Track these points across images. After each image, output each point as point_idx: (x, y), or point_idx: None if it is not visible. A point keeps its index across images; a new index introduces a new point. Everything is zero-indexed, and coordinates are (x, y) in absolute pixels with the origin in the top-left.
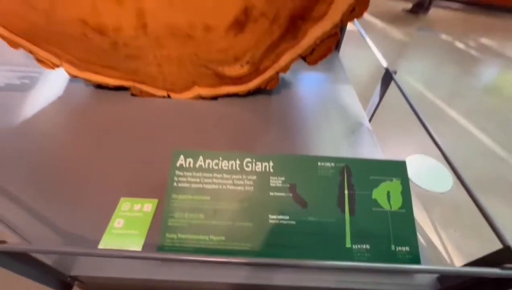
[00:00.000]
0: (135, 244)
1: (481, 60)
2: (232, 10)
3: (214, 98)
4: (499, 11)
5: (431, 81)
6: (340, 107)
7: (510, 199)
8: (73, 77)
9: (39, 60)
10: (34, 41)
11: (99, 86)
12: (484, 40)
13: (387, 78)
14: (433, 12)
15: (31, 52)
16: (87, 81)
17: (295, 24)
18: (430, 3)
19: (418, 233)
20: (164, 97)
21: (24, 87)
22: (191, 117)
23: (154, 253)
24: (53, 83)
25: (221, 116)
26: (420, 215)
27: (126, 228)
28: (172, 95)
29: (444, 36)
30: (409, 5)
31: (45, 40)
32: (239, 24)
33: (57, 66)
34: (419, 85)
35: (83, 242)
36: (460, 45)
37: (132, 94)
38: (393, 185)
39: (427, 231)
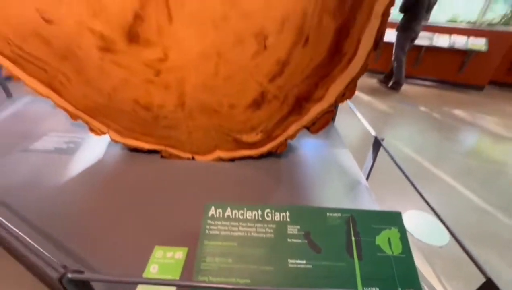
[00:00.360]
0: (169, 287)
1: (457, 128)
2: (252, 94)
3: (232, 160)
4: (466, 88)
5: (416, 146)
6: (340, 168)
7: (505, 253)
8: (115, 142)
9: (92, 129)
10: (93, 115)
11: (134, 150)
12: (457, 112)
13: (377, 144)
14: (410, 88)
15: (87, 122)
16: (125, 145)
17: (300, 104)
18: (399, 82)
19: (423, 283)
20: (189, 159)
21: (70, 151)
22: (213, 176)
23: (190, 281)
24: (94, 147)
25: (239, 175)
26: (423, 267)
27: (160, 273)
28: (197, 157)
29: (422, 108)
30: (380, 78)
31: (101, 114)
32: (257, 104)
33: (104, 133)
34: (407, 149)
35: None
36: (437, 115)
37: (162, 156)
38: (392, 233)
39: (432, 282)
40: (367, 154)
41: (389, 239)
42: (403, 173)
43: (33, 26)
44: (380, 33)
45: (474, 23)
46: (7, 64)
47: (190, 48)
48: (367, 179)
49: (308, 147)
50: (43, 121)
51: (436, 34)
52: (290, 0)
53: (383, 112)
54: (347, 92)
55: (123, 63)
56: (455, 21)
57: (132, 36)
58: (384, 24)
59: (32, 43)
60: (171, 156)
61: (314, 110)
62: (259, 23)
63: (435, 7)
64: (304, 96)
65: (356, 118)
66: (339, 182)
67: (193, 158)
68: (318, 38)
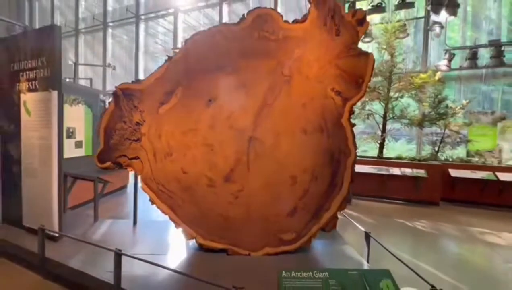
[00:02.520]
0: None
1: (427, 233)
2: (290, 207)
3: (276, 254)
4: (425, 204)
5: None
6: (346, 256)
7: None
8: (199, 245)
9: (184, 233)
10: (190, 224)
11: (207, 250)
12: (424, 221)
13: (367, 237)
14: (383, 205)
15: (184, 229)
16: (205, 247)
17: (317, 213)
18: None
19: None
20: (246, 255)
21: (164, 252)
22: (265, 264)
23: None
24: (179, 249)
25: (281, 261)
26: None
27: None
28: (252, 253)
29: (398, 220)
30: None
31: (195, 224)
32: (292, 213)
33: (194, 237)
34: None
35: None
36: (409, 224)
37: (228, 254)
38: (388, 282)
39: None
40: (359, 247)
41: (387, 285)
42: (393, 255)
43: (176, 174)
44: (353, 175)
45: (413, 159)
46: (151, 194)
47: (257, 184)
48: (367, 262)
49: (322, 242)
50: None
51: (390, 167)
52: (307, 160)
53: (369, 223)
54: (343, 205)
55: (218, 193)
56: (400, 158)
57: (227, 179)
58: (353, 172)
59: (171, 183)
60: (234, 253)
61: (326, 216)
62: (292, 171)
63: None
64: (319, 208)
65: (347, 222)
66: (349, 266)
67: (249, 254)
68: (322, 178)
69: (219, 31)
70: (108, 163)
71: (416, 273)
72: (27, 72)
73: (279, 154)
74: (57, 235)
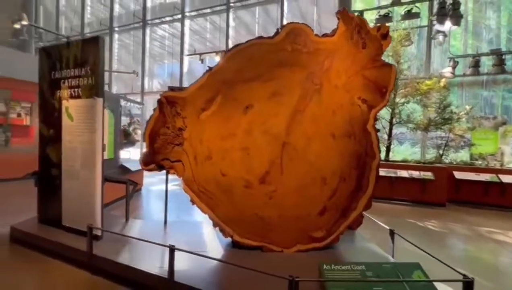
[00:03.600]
0: None
1: (437, 232)
2: (320, 207)
3: (306, 250)
4: (432, 205)
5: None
6: (372, 252)
7: None
8: (236, 242)
9: (223, 232)
10: (227, 223)
11: (243, 247)
12: (433, 221)
13: (392, 234)
14: (391, 207)
15: (222, 228)
16: (242, 244)
17: (345, 212)
18: None
19: None
20: (279, 251)
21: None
22: (297, 260)
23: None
24: (216, 247)
25: (312, 257)
26: None
27: None
28: (284, 250)
29: (408, 220)
30: None
31: (232, 222)
32: (321, 212)
33: (231, 235)
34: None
35: None
36: (421, 224)
37: (262, 251)
38: (419, 273)
39: None
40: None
41: (418, 276)
42: (421, 249)
43: (215, 176)
44: (377, 177)
45: (419, 162)
46: (192, 195)
47: (289, 185)
48: (393, 257)
49: (350, 240)
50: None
51: (398, 170)
52: (336, 163)
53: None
54: (368, 204)
55: (254, 194)
56: (406, 161)
57: (262, 180)
58: (378, 173)
59: (210, 184)
60: (268, 250)
61: (353, 215)
62: (322, 173)
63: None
64: (347, 207)
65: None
66: (376, 258)
67: (282, 251)
68: (350, 179)
69: (255, 44)
70: (152, 166)
71: (446, 264)
72: (70, 80)
73: (310, 157)
74: (99, 233)
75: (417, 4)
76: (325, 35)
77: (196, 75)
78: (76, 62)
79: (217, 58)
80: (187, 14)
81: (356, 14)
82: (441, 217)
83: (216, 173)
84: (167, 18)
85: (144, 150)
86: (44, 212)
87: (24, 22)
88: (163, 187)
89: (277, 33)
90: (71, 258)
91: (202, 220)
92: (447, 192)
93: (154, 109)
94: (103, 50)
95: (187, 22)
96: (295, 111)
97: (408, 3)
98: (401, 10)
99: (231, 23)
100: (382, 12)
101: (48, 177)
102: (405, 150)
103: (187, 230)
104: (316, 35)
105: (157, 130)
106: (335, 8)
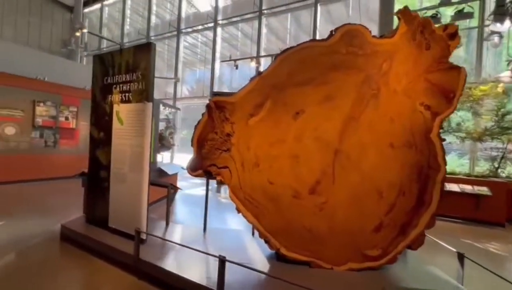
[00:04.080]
0: None
1: (505, 256)
2: (375, 222)
3: (359, 270)
4: (488, 224)
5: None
6: (434, 277)
7: None
8: (282, 256)
9: (269, 244)
10: (274, 235)
11: (290, 261)
12: (494, 243)
13: (461, 257)
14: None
15: (268, 240)
16: (286, 257)
17: (404, 229)
18: None
19: None
20: (329, 268)
21: (246, 260)
22: (348, 280)
23: None
24: (260, 258)
25: (365, 277)
26: None
27: None
28: (335, 268)
29: (464, 240)
30: None
31: (279, 234)
32: (377, 229)
33: (278, 248)
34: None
35: None
36: (479, 245)
37: (311, 267)
38: None
39: None
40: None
41: None
42: (493, 272)
43: (262, 185)
44: (442, 192)
45: (470, 175)
46: (238, 203)
47: (342, 197)
48: (462, 284)
49: (404, 262)
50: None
51: (447, 183)
52: (394, 175)
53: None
54: (431, 222)
55: (303, 204)
56: (455, 174)
57: (312, 191)
58: (443, 188)
59: (257, 193)
60: (317, 266)
61: (413, 233)
62: (379, 185)
63: None
64: (406, 224)
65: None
66: (440, 285)
67: (332, 268)
68: (410, 193)
69: (307, 47)
70: (199, 171)
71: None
72: (121, 85)
73: (365, 168)
74: (145, 237)
75: (470, 4)
76: (383, 36)
77: (223, 80)
78: (128, 67)
79: (252, 64)
80: (219, 22)
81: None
82: (502, 239)
83: (263, 181)
84: (200, 27)
85: (192, 155)
86: (92, 213)
87: (85, 30)
88: (194, 191)
89: (331, 35)
90: (117, 260)
91: (240, 227)
92: (507, 210)
93: (203, 114)
94: (154, 55)
95: (218, 30)
96: (350, 117)
97: (458, 3)
98: (448, 11)
99: (263, 29)
100: (429, 13)
101: (96, 179)
102: (451, 161)
103: (227, 238)
104: (374, 36)
105: (205, 135)
106: (372, 12)
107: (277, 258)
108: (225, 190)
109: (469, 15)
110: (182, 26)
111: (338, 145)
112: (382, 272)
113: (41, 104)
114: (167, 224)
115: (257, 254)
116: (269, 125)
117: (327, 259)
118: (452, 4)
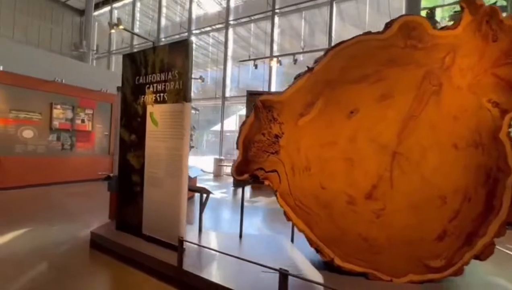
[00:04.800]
0: None
1: None
2: (438, 230)
3: (421, 282)
4: None
5: None
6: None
7: None
8: (337, 266)
9: (322, 254)
10: (327, 244)
11: (344, 272)
12: None
13: None
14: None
15: (321, 249)
16: (340, 267)
17: (470, 238)
18: None
19: None
20: (388, 281)
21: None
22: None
23: None
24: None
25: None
26: None
27: None
28: (394, 280)
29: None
30: None
31: (333, 243)
32: (440, 237)
33: (331, 258)
34: None
35: None
36: None
37: (368, 278)
38: None
39: None
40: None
41: None
42: None
43: (313, 190)
44: None
45: None
46: (287, 209)
47: (401, 203)
48: None
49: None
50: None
51: None
52: (458, 179)
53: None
54: (501, 231)
55: (358, 211)
56: None
57: (368, 196)
58: None
59: (308, 198)
60: (374, 278)
61: (480, 243)
62: (441, 190)
63: None
64: (473, 233)
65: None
66: None
67: (391, 280)
68: (476, 199)
69: (361, 41)
70: (245, 175)
71: None
72: (155, 85)
73: (426, 171)
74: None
75: None
76: (445, 27)
77: (232, 79)
78: (162, 66)
79: (273, 63)
80: (231, 22)
81: (426, 11)
82: None
83: (315, 185)
84: (209, 28)
85: (237, 158)
86: (122, 219)
87: (121, 27)
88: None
89: (387, 27)
90: (156, 270)
91: (272, 233)
92: None
93: (248, 115)
94: (191, 53)
95: (230, 30)
96: (409, 116)
97: None
98: None
99: (276, 29)
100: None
101: (128, 184)
102: None
103: (267, 244)
104: (435, 28)
105: (251, 137)
106: (394, 10)
107: (328, 268)
108: (244, 193)
109: (503, 9)
110: (193, 27)
111: (396, 147)
112: (446, 285)
113: (58, 106)
114: (200, 231)
115: (305, 263)
116: (320, 125)
117: (385, 270)
118: None
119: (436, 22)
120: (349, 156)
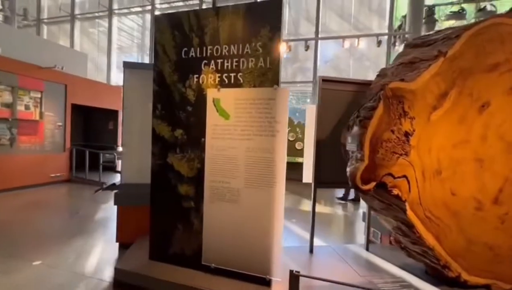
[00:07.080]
0: None
1: None
2: None
3: None
4: None
5: None
6: None
7: None
8: (463, 282)
9: (449, 269)
10: (455, 257)
11: (467, 286)
12: None
13: None
14: None
15: (449, 265)
16: (466, 283)
17: None
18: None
19: None
20: (508, 289)
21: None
22: None
23: None
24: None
25: None
26: None
27: None
28: None
29: None
30: None
31: (460, 256)
32: None
33: (458, 273)
34: None
35: None
36: None
37: (488, 289)
38: None
39: None
40: None
41: None
42: None
43: (444, 197)
44: None
45: None
46: (417, 222)
47: None
48: None
49: None
50: None
51: None
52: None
53: None
54: None
55: (485, 217)
56: None
57: (495, 201)
58: None
59: (439, 208)
60: (497, 288)
61: None
62: None
63: None
64: None
65: None
66: None
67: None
68: None
69: (494, 24)
70: (372, 184)
71: None
72: (220, 61)
73: None
74: (273, 278)
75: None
76: None
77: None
78: (233, 35)
79: (284, 47)
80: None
81: (425, 9)
82: None
83: (445, 192)
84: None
85: (359, 162)
86: (161, 245)
87: None
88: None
89: None
90: None
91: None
92: None
93: (373, 107)
94: (282, 17)
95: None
96: None
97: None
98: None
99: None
100: (455, 8)
101: (169, 196)
102: None
103: (352, 260)
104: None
105: (379, 134)
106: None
107: (448, 284)
108: None
109: (492, 13)
110: (115, 6)
111: None
112: None
113: None
114: None
115: (407, 275)
116: (453, 120)
117: (508, 279)
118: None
119: (435, 20)
120: (479, 157)
